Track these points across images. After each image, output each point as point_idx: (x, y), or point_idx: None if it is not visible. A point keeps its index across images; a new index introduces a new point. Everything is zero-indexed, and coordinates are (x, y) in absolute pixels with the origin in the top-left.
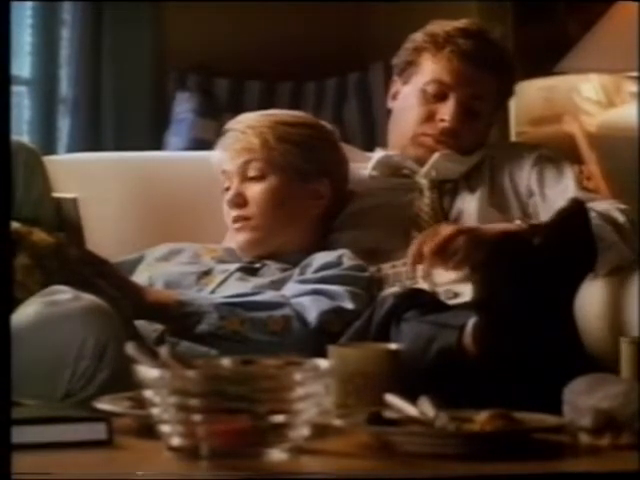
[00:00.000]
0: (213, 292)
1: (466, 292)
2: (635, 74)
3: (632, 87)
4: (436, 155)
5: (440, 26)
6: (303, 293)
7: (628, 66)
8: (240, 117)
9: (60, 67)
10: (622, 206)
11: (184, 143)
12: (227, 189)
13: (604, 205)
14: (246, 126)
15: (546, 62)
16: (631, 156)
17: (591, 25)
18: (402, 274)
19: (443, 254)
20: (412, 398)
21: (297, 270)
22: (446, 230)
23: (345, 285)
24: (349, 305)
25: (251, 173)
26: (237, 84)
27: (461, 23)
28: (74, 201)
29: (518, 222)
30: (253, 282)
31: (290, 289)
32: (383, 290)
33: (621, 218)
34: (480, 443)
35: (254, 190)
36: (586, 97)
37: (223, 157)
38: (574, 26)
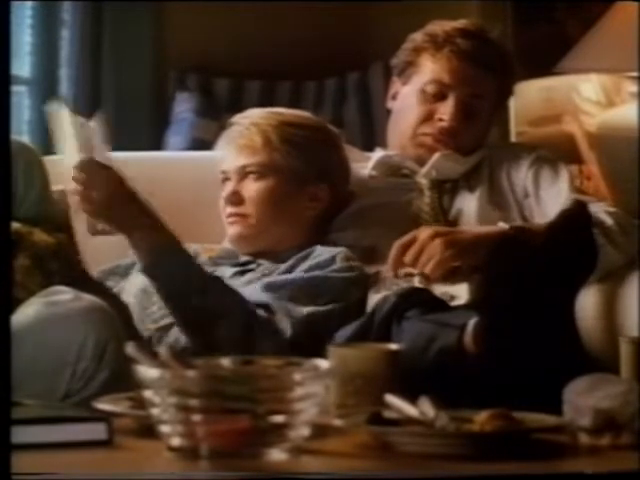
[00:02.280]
0: None
1: (462, 295)
2: (635, 74)
3: (632, 87)
4: (436, 155)
5: (440, 26)
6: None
7: (628, 66)
8: (246, 112)
9: (60, 67)
10: (611, 209)
11: (184, 143)
12: (224, 182)
13: (592, 208)
14: (251, 122)
15: (546, 62)
16: (631, 156)
17: (591, 25)
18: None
19: (421, 258)
20: (412, 398)
21: (291, 262)
22: (423, 234)
23: (323, 291)
24: (286, 325)
25: (250, 172)
26: (237, 84)
27: (461, 23)
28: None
29: (501, 224)
30: (248, 282)
31: (253, 291)
32: (381, 292)
33: (609, 221)
34: (480, 443)
35: (251, 189)
36: (586, 97)
37: (223, 152)
38: (574, 26)
